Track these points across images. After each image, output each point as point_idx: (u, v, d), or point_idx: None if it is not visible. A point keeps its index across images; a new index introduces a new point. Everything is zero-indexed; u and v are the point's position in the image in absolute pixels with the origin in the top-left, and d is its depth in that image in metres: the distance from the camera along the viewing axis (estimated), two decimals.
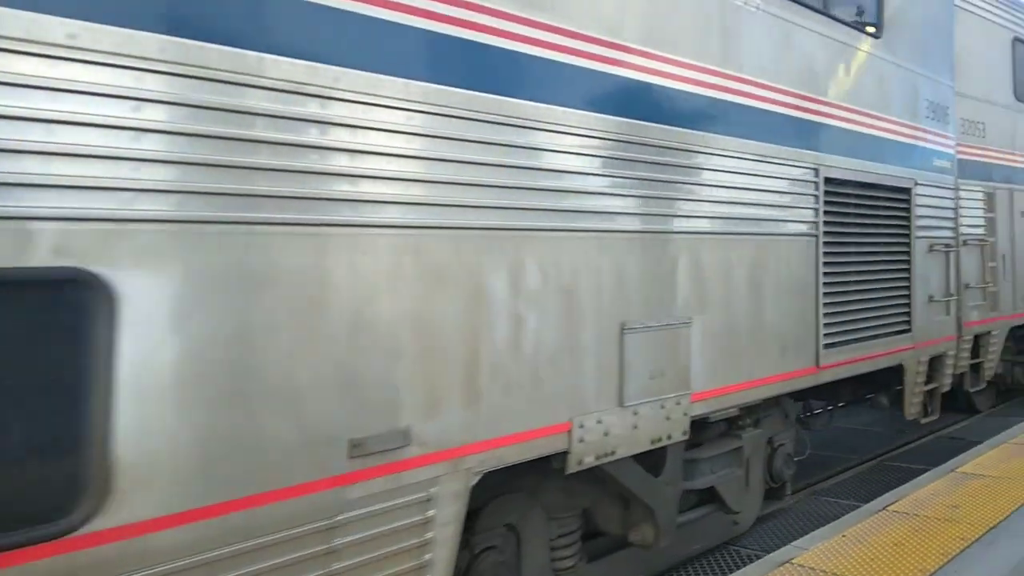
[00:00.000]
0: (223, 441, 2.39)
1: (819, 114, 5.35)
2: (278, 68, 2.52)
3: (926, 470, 5.89)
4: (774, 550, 4.40)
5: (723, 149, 4.46)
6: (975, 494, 5.04)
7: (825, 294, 5.32)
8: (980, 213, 8.22)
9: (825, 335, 5.29)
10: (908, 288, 6.35)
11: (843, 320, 5.54)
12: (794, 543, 4.35)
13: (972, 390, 8.42)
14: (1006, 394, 10.36)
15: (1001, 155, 8.86)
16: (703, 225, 4.37)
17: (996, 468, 5.66)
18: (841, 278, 5.52)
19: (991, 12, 8.80)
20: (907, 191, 6.40)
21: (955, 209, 7.34)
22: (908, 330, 6.32)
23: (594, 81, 3.67)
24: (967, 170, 7.90)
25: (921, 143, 6.75)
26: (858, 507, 5.00)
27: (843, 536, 4.37)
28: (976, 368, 8.23)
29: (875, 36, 6.10)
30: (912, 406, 6.66)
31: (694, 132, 4.24)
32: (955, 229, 7.31)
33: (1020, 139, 9.34)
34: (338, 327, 2.68)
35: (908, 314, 6.32)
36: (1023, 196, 9.16)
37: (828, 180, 5.33)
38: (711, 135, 4.36)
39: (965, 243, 7.65)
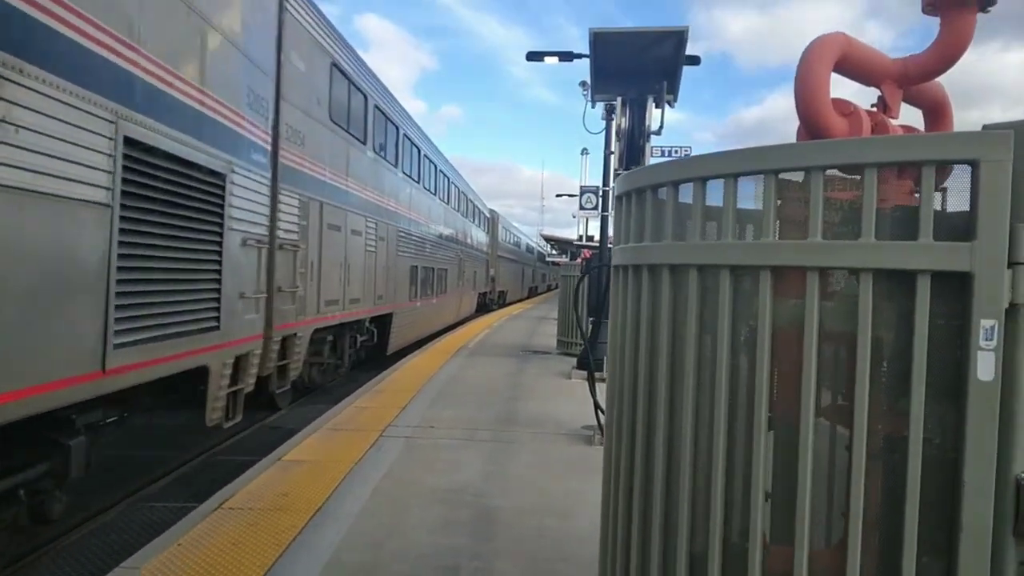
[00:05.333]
0: None
1: (126, 60, 4.74)
2: None
3: (255, 461, 6.01)
4: None
5: None
6: (300, 480, 5.36)
7: (123, 281, 4.64)
8: (295, 219, 8.32)
9: (120, 331, 4.63)
10: (219, 282, 6.09)
11: (145, 314, 4.94)
12: (123, 564, 3.78)
13: (278, 391, 8.53)
14: (303, 392, 10.87)
15: (316, 168, 9.19)
16: None
17: (315, 452, 6.18)
18: (145, 263, 4.93)
19: (315, 29, 9.02)
20: (222, 177, 6.13)
21: (271, 208, 7.47)
22: (216, 327, 6.08)
23: None
24: (286, 176, 7.98)
25: (240, 130, 6.61)
26: (193, 508, 4.72)
27: (179, 545, 4.03)
28: (282, 369, 8.36)
29: None
30: (215, 411, 6.37)
31: None
32: (270, 228, 7.42)
33: (331, 157, 9.85)
34: None
35: (218, 310, 6.08)
36: (331, 209, 9.76)
37: (132, 142, 4.74)
38: None
39: (281, 246, 7.75)
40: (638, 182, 2.16)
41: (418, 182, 16.42)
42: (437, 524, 4.56)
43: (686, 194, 2.09)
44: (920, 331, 1.59)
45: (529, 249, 55.17)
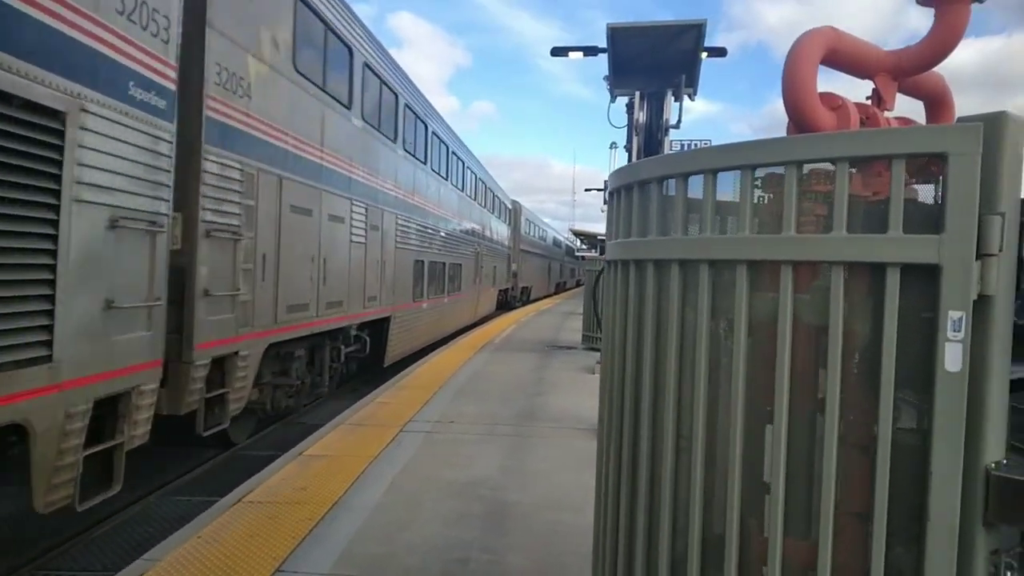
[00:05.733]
0: None
1: None
2: None
3: (278, 456, 6.15)
4: (120, 568, 3.88)
5: None
6: (319, 474, 5.48)
7: None
8: (235, 196, 6.19)
9: None
10: (51, 285, 3.97)
11: None
12: (145, 556, 3.92)
13: (206, 433, 6.12)
14: (273, 419, 8.67)
15: (270, 131, 6.90)
16: None
17: (335, 447, 6.29)
18: None
19: None
20: (57, 116, 3.96)
21: (182, 176, 5.41)
22: (46, 357, 3.95)
23: None
24: (218, 135, 5.93)
25: (103, 48, 4.35)
26: (214, 502, 4.86)
27: (199, 537, 4.15)
28: (216, 401, 6.21)
29: None
30: (53, 489, 4.09)
31: None
32: (182, 205, 5.44)
33: (297, 120, 7.48)
34: None
35: (48, 330, 3.97)
36: (296, 187, 7.42)
37: None
38: None
39: (209, 233, 5.76)
40: (626, 179, 2.19)
41: (424, 163, 13.80)
42: (451, 518, 4.63)
43: (673, 190, 2.11)
44: (889, 323, 1.59)
45: (557, 243, 52.19)
